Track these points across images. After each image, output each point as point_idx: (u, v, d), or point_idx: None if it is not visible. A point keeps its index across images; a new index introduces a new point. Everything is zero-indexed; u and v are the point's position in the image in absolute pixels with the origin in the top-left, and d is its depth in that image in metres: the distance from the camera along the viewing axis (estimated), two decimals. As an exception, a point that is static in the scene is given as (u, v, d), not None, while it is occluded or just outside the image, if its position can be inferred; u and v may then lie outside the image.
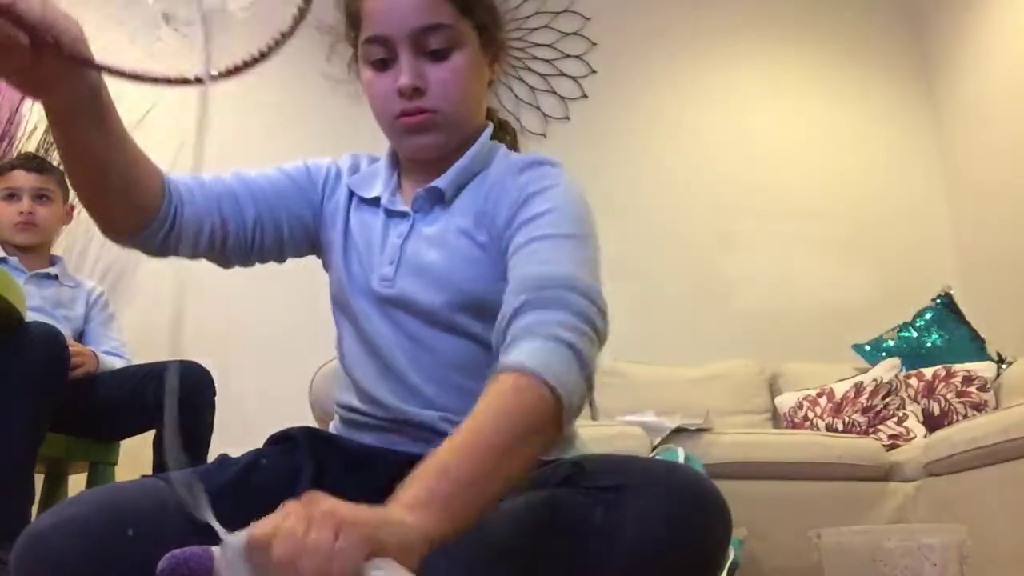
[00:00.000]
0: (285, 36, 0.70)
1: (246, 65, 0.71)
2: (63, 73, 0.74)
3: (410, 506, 0.65)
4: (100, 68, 0.74)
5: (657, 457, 2.20)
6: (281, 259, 1.08)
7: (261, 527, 0.60)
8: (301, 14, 0.70)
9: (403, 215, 1.03)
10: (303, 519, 0.59)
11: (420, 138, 0.99)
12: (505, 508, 0.77)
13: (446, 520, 0.66)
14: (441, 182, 1.02)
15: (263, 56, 0.70)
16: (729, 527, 0.75)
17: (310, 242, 1.08)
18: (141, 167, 0.93)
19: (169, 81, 0.72)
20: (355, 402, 1.01)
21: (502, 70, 1.07)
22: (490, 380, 0.77)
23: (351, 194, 1.07)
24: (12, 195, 2.38)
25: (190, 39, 0.77)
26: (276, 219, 1.04)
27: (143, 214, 0.95)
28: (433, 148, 1.01)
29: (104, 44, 0.71)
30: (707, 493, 0.75)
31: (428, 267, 0.98)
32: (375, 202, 1.06)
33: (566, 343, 0.79)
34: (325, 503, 0.61)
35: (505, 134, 1.13)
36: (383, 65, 0.98)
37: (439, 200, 1.03)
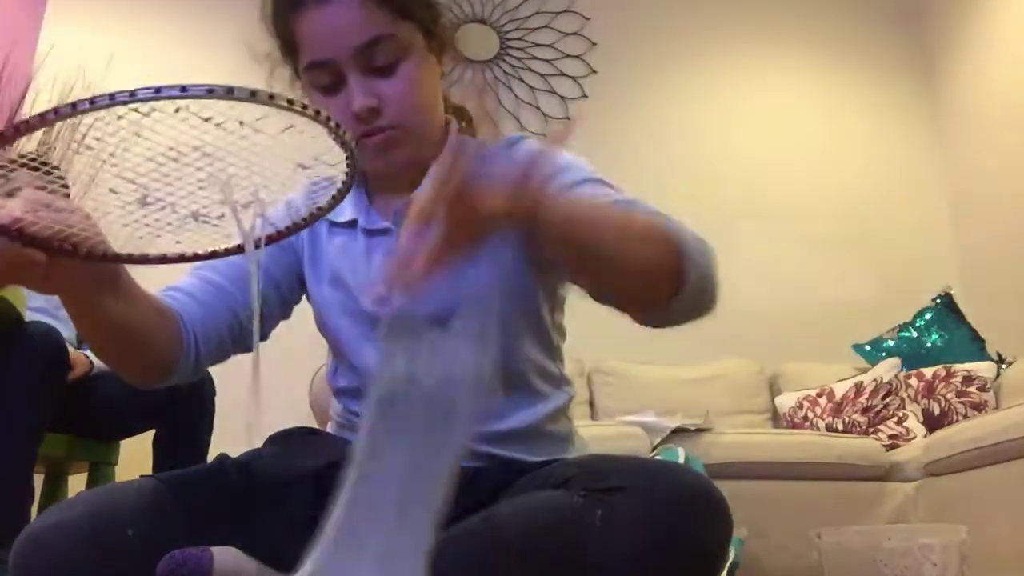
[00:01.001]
0: (322, 210, 0.69)
1: (287, 231, 0.69)
2: (82, 270, 0.72)
3: (563, 201, 0.71)
4: (123, 261, 0.71)
5: (657, 457, 2.20)
6: (288, 315, 1.06)
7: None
8: (340, 194, 0.68)
9: (385, 231, 0.99)
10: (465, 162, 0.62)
11: (387, 156, 0.95)
12: (506, 509, 0.77)
13: (563, 210, 0.70)
14: (420, 190, 0.98)
15: (303, 224, 0.69)
16: (730, 527, 0.75)
17: (304, 286, 1.06)
18: (158, 320, 0.89)
19: (198, 256, 0.72)
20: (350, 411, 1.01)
21: (453, 57, 1.03)
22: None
23: (324, 223, 1.02)
24: (11, 195, 2.38)
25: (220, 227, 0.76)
26: (276, 287, 1.01)
27: (166, 364, 0.90)
28: (403, 163, 0.96)
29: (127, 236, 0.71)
30: (708, 493, 0.75)
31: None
32: (351, 225, 1.01)
33: (696, 237, 0.83)
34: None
35: (463, 120, 1.10)
36: (331, 89, 0.92)
37: None
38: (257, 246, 0.68)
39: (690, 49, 3.84)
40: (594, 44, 3.74)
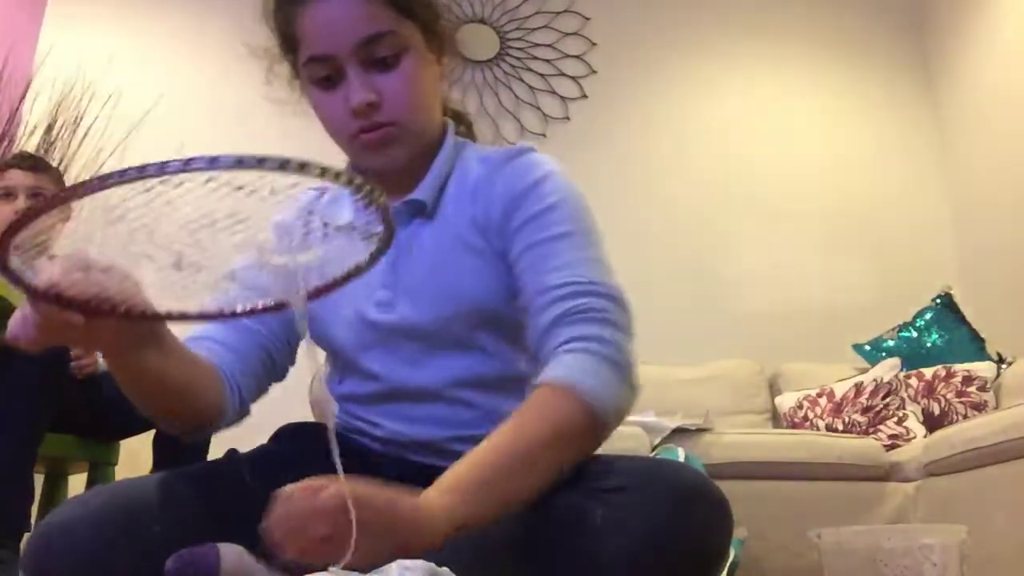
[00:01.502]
0: (361, 268, 0.69)
1: (327, 288, 0.69)
2: (122, 329, 0.71)
3: (441, 490, 0.70)
4: (162, 319, 0.71)
5: (657, 457, 2.20)
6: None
7: (272, 527, 0.61)
8: (379, 252, 0.68)
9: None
10: (334, 498, 0.61)
11: (384, 153, 0.95)
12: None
13: (474, 509, 0.70)
14: (421, 193, 0.98)
15: (342, 281, 0.69)
16: (731, 526, 0.76)
17: None
18: (199, 373, 0.88)
19: (236, 314, 0.72)
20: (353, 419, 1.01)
21: (451, 61, 1.03)
22: (529, 393, 0.81)
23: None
24: (8, 194, 2.38)
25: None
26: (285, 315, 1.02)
27: (212, 415, 0.90)
28: (400, 160, 0.96)
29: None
30: (709, 492, 0.75)
31: (427, 284, 0.95)
32: (348, 228, 1.02)
33: (600, 356, 0.82)
34: (332, 493, 0.62)
35: (461, 124, 1.10)
36: (330, 83, 0.93)
37: (420, 212, 0.98)
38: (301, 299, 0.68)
39: (690, 49, 3.84)
40: (594, 44, 3.74)
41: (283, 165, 0.55)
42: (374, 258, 0.68)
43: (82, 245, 0.64)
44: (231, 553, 0.77)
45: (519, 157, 0.98)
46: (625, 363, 0.85)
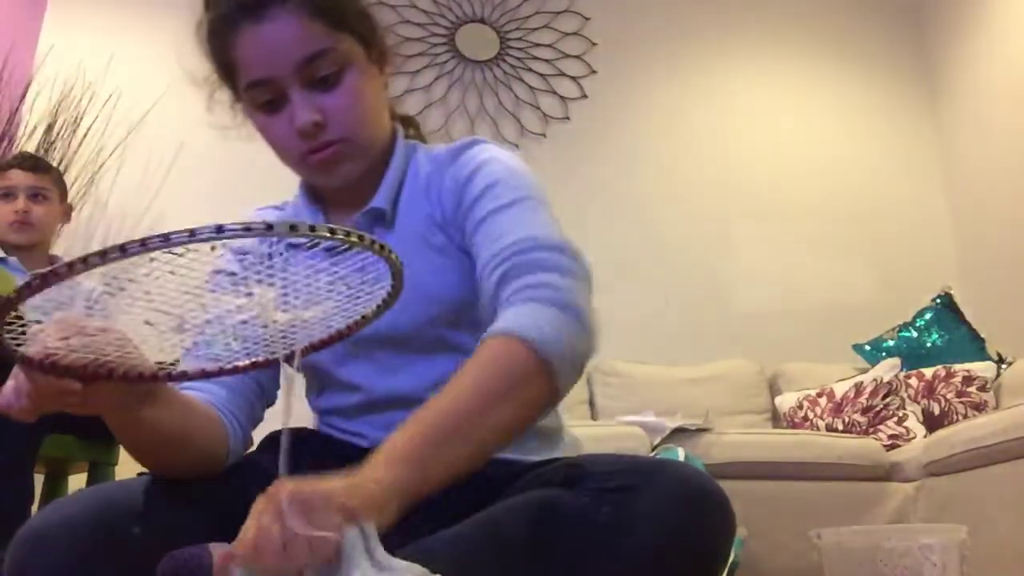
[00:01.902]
0: (367, 319, 0.68)
1: (329, 340, 0.68)
2: (121, 390, 0.69)
3: (385, 462, 0.67)
4: (161, 380, 0.70)
5: (660, 457, 2.20)
6: None
7: (240, 542, 0.60)
8: (385, 304, 0.67)
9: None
10: (273, 517, 0.59)
11: (335, 171, 0.94)
12: (508, 507, 0.77)
13: (418, 473, 0.67)
14: (378, 201, 0.97)
15: (347, 333, 0.68)
16: (733, 526, 0.75)
17: None
18: (198, 418, 0.86)
19: (237, 369, 0.70)
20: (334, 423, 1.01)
21: (392, 69, 1.00)
22: (473, 355, 0.78)
23: None
24: (8, 194, 2.38)
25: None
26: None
27: (216, 456, 0.88)
28: (352, 175, 0.95)
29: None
30: (712, 493, 0.74)
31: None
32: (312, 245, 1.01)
33: (548, 301, 0.80)
34: (288, 490, 0.60)
35: (410, 128, 1.09)
36: (273, 106, 0.91)
37: (380, 220, 0.98)
38: (294, 357, 0.67)
39: (690, 49, 3.84)
40: (594, 44, 3.74)
41: (292, 228, 0.55)
42: (381, 310, 0.68)
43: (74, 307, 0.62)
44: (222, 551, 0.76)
45: (466, 149, 0.99)
46: (577, 306, 0.81)
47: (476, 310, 0.91)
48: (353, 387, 0.97)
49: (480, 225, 0.91)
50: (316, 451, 0.95)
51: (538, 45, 3.71)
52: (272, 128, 0.93)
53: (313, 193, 1.03)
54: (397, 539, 0.81)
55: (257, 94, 0.91)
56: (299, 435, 0.99)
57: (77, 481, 2.45)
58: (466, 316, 0.93)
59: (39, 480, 2.22)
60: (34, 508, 1.97)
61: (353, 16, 0.93)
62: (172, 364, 0.72)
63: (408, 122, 1.09)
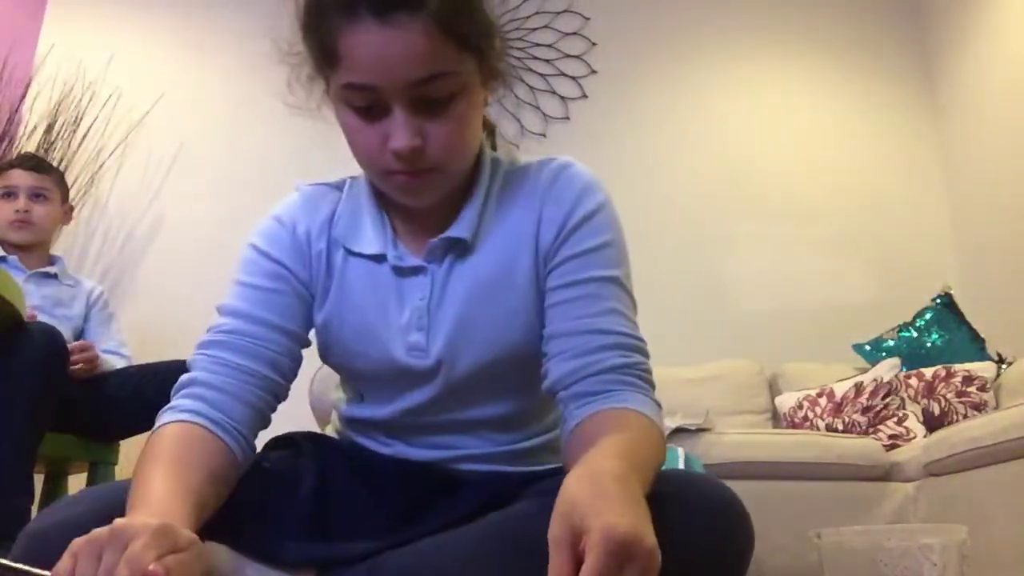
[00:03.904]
0: None
1: None
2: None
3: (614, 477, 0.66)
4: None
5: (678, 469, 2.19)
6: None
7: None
8: None
9: (417, 270, 0.91)
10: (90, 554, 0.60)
11: (420, 196, 0.87)
12: (527, 514, 0.77)
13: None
14: (461, 231, 0.91)
15: None
16: (752, 537, 0.74)
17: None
18: (216, 491, 0.79)
19: None
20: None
21: (499, 85, 0.92)
22: (598, 412, 0.79)
23: (338, 248, 0.93)
24: (9, 194, 2.39)
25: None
26: (297, 338, 0.92)
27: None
28: (432, 201, 0.89)
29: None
30: (737, 507, 0.74)
31: (466, 328, 0.90)
32: (377, 259, 0.92)
33: (653, 405, 0.83)
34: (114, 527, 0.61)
35: (489, 135, 1.04)
36: (368, 113, 0.81)
37: (458, 248, 0.91)
38: None
39: (690, 49, 3.84)
40: (594, 44, 3.74)
41: None
42: None
43: None
44: (220, 552, 0.77)
45: (563, 172, 0.94)
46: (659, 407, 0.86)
47: (536, 357, 0.89)
48: (396, 412, 0.94)
49: (578, 286, 0.88)
50: (324, 455, 0.95)
51: (538, 45, 3.71)
52: (362, 134, 0.83)
53: (381, 196, 0.94)
54: (408, 539, 0.81)
55: (355, 97, 0.81)
56: (304, 440, 0.98)
57: (77, 481, 2.45)
58: (528, 363, 0.90)
59: (39, 480, 2.22)
60: (34, 508, 1.97)
61: (483, 37, 0.84)
62: None
63: (485, 126, 1.00)
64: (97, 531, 0.61)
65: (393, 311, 0.91)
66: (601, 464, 0.65)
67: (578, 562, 0.57)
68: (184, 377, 0.87)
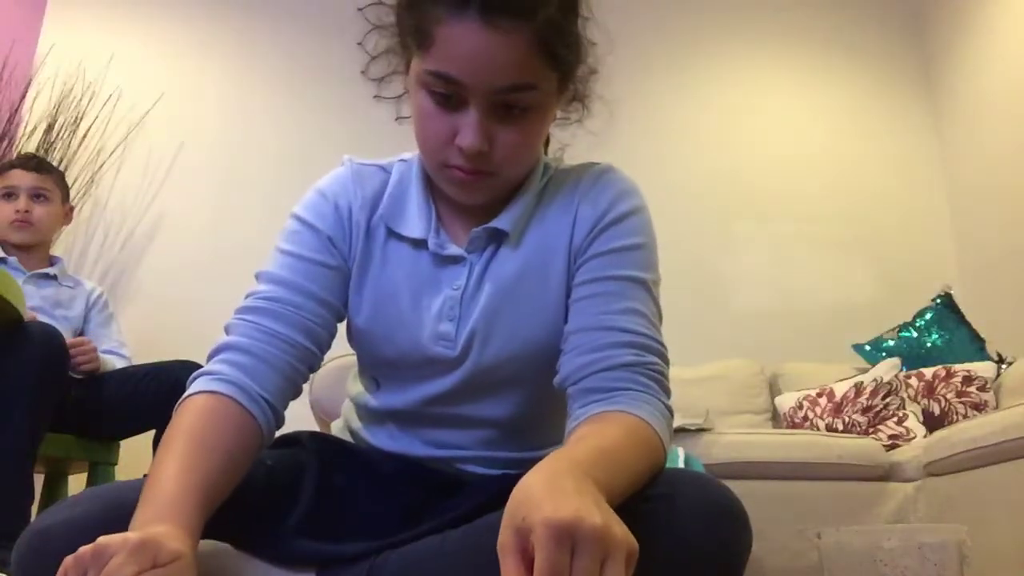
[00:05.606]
0: None
1: None
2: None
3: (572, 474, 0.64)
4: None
5: (681, 468, 2.19)
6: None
7: None
8: None
9: (456, 260, 0.92)
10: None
11: (473, 194, 0.89)
12: None
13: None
14: (505, 223, 0.92)
15: None
16: (750, 538, 0.74)
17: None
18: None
19: None
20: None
21: (575, 107, 0.94)
22: (597, 414, 0.78)
23: (380, 227, 0.94)
24: (10, 194, 2.39)
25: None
26: (336, 312, 0.93)
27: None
28: (484, 200, 0.90)
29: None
30: (736, 509, 0.73)
31: (493, 321, 0.90)
32: (418, 244, 0.93)
33: (663, 409, 0.81)
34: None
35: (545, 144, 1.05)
36: (445, 101, 0.82)
37: (499, 239, 0.93)
38: None
39: (690, 49, 3.84)
40: (594, 44, 3.74)
41: None
42: None
43: None
44: (218, 550, 0.77)
45: (603, 176, 0.96)
46: (672, 413, 0.84)
47: (554, 352, 0.88)
48: (419, 400, 0.94)
49: (605, 282, 0.88)
50: (327, 453, 0.95)
51: (538, 45, 3.70)
52: (432, 120, 0.83)
53: (430, 181, 0.95)
54: (408, 538, 0.82)
55: (436, 84, 0.81)
56: (304, 440, 0.98)
57: (77, 481, 2.45)
58: (552, 358, 0.90)
59: (39, 480, 2.22)
60: (34, 508, 1.97)
61: (573, 59, 0.88)
62: None
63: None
64: (83, 549, 0.62)
65: (426, 298, 0.92)
66: (555, 466, 0.64)
67: (530, 563, 0.55)
68: (221, 341, 0.86)
